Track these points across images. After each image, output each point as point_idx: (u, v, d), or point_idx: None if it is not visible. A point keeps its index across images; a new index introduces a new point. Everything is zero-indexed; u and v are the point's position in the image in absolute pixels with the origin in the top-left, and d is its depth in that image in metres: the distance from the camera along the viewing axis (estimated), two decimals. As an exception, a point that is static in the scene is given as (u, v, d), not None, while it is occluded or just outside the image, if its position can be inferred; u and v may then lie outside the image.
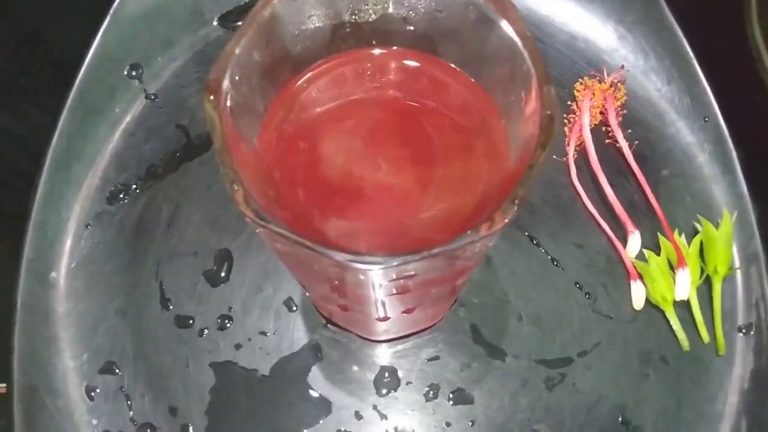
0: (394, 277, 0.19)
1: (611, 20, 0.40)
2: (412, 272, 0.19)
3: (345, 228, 0.20)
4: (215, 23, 0.40)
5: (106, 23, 0.39)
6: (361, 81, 0.23)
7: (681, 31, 0.39)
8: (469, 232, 0.17)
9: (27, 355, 0.33)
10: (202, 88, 0.18)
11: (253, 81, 0.20)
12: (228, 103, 0.19)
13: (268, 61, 0.20)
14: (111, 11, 0.39)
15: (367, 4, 0.22)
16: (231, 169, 0.18)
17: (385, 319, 0.27)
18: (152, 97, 0.39)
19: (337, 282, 0.21)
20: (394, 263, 0.17)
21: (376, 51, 0.23)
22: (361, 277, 0.19)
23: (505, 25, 0.19)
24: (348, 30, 0.22)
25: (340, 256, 0.17)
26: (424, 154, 0.21)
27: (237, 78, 0.19)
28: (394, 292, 0.21)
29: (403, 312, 0.26)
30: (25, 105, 0.45)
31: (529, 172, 0.17)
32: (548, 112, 0.18)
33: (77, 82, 0.38)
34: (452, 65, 0.23)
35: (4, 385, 0.34)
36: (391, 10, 0.22)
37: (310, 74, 0.23)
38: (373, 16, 0.22)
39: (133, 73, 0.39)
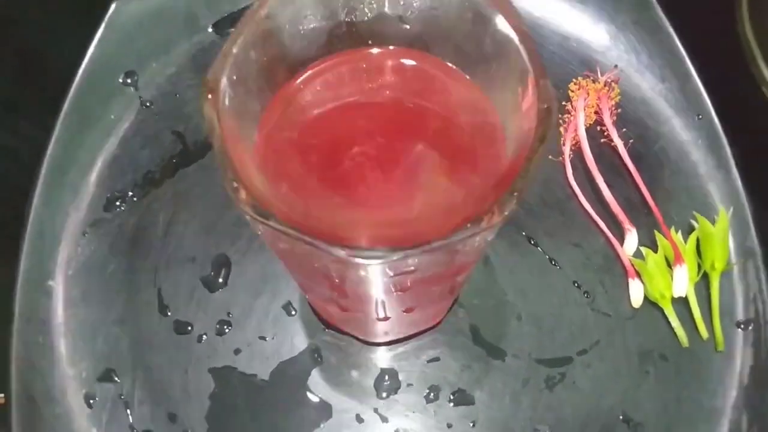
0: (394, 273, 0.19)
1: (603, 20, 0.40)
2: (412, 267, 0.19)
3: (344, 224, 0.20)
4: (210, 30, 0.40)
5: (100, 31, 0.39)
6: (357, 80, 0.23)
7: (673, 30, 0.39)
8: (468, 225, 0.17)
9: (25, 364, 0.33)
10: (200, 89, 0.19)
11: (250, 81, 0.20)
12: (226, 103, 0.19)
13: (264, 60, 0.21)
14: (106, 19, 0.39)
15: (363, 4, 0.22)
16: (230, 168, 0.18)
17: (385, 319, 0.27)
18: (148, 104, 0.39)
19: (337, 280, 0.21)
20: (394, 257, 0.17)
21: (373, 50, 0.23)
22: (362, 272, 0.19)
23: (501, 21, 0.19)
24: (344, 29, 0.22)
25: (340, 251, 0.17)
26: (420, 151, 0.22)
27: (234, 78, 0.19)
28: (394, 289, 0.21)
29: (404, 311, 0.26)
30: (19, 118, 0.45)
31: (528, 164, 0.17)
32: (546, 106, 0.18)
33: (72, 90, 0.38)
34: (448, 63, 0.23)
35: (2, 394, 0.33)
36: (386, 9, 0.22)
37: (307, 74, 0.23)
38: (368, 15, 0.22)
39: (128, 81, 0.39)
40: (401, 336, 0.34)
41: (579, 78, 0.38)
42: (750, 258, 0.36)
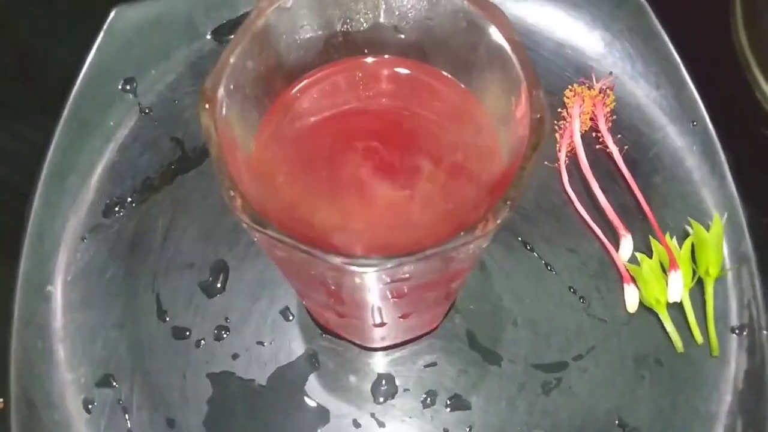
0: (390, 280, 0.19)
1: (598, 28, 0.41)
2: (407, 275, 0.19)
3: (341, 233, 0.20)
4: (209, 37, 0.41)
5: (100, 38, 0.39)
6: (354, 89, 0.23)
7: (668, 37, 0.40)
8: (462, 233, 0.17)
9: (24, 368, 0.33)
10: (198, 98, 0.19)
11: (247, 90, 0.21)
12: (223, 112, 0.19)
13: (262, 70, 0.21)
14: (105, 26, 0.39)
15: (359, 14, 0.22)
16: (227, 177, 0.18)
17: (382, 325, 0.27)
18: (146, 111, 0.39)
19: (333, 287, 0.22)
20: (389, 265, 0.17)
21: (368, 59, 0.23)
22: (357, 280, 0.19)
23: (494, 31, 0.20)
24: (340, 39, 0.22)
25: (336, 259, 0.17)
26: (416, 160, 0.22)
27: (232, 87, 0.20)
28: (390, 296, 0.22)
29: (400, 317, 0.26)
30: (19, 122, 0.45)
31: (521, 173, 0.17)
32: (538, 116, 0.18)
33: (72, 96, 0.38)
34: (443, 72, 0.23)
35: (2, 399, 0.34)
36: (382, 19, 0.22)
37: (303, 83, 0.23)
38: (364, 25, 0.22)
39: (128, 87, 0.39)
40: (398, 341, 0.34)
41: (574, 85, 0.39)
42: (744, 263, 0.36)
